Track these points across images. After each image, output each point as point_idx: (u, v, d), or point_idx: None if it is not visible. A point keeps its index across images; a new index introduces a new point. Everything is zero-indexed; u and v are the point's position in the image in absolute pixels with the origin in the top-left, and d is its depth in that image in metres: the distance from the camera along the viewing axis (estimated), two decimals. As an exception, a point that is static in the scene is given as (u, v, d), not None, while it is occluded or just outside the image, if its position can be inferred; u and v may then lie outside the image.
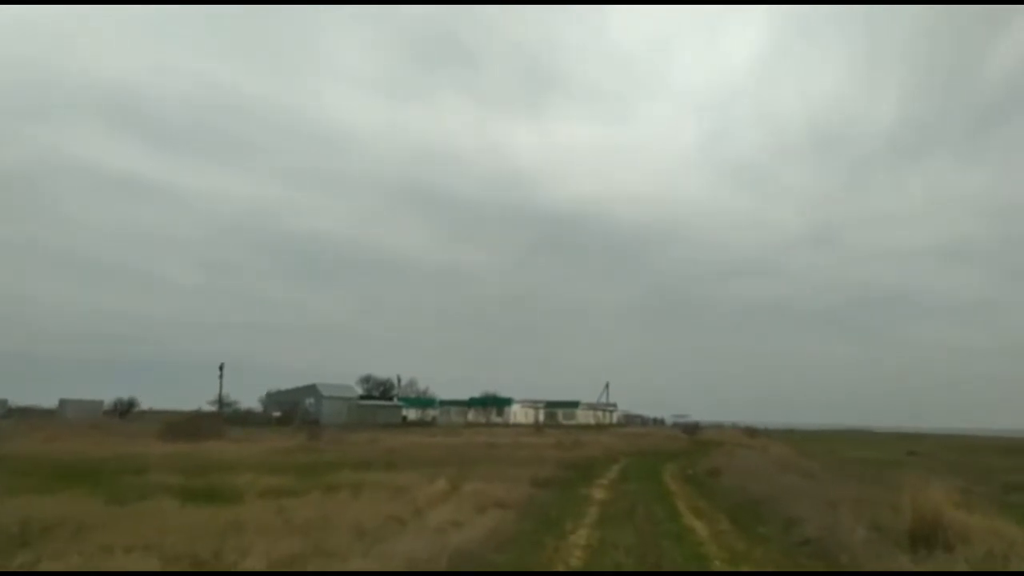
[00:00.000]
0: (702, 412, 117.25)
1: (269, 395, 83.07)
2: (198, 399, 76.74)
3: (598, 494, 15.83)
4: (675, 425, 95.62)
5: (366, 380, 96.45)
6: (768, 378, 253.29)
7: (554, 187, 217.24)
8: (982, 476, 20.83)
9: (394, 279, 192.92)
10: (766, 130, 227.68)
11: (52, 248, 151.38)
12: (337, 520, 9.72)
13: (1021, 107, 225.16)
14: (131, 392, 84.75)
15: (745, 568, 8.39)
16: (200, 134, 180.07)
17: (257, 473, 16.65)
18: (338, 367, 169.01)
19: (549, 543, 9.34)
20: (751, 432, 69.83)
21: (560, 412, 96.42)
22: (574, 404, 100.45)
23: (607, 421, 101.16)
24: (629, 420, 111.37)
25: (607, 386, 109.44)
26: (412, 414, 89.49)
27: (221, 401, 74.71)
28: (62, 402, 75.31)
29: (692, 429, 74.05)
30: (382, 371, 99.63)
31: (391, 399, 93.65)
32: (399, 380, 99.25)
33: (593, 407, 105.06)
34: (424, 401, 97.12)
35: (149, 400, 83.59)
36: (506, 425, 75.95)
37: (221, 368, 74.13)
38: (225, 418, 60.67)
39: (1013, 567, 7.68)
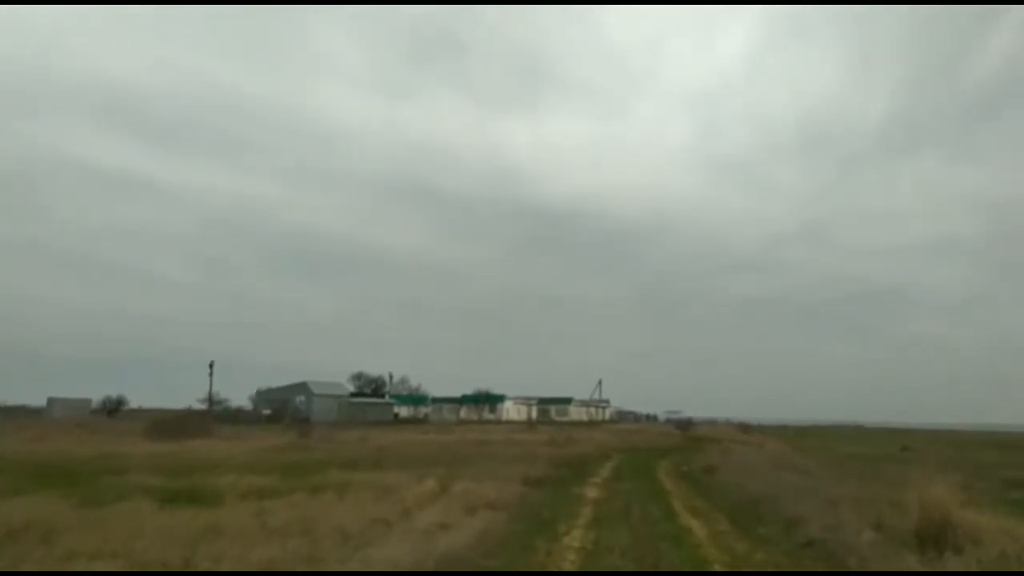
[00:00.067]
0: (694, 408, 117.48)
1: (259, 393, 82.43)
2: (189, 397, 76.26)
3: (592, 493, 15.42)
4: (668, 421, 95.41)
5: (358, 377, 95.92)
6: (759, 374, 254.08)
7: (548, 184, 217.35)
8: (979, 472, 20.52)
9: (387, 276, 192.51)
10: (757, 127, 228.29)
11: (43, 246, 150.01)
12: (319, 523, 9.28)
13: (1010, 104, 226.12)
14: (122, 390, 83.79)
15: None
16: (193, 132, 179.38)
17: (241, 473, 16.15)
18: (330, 365, 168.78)
19: (541, 546, 8.92)
20: (744, 428, 69.73)
21: (553, 409, 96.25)
22: (567, 401, 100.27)
23: (600, 418, 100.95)
24: (622, 416, 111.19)
25: (600, 383, 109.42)
26: (404, 411, 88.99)
27: (211, 399, 74.07)
28: (50, 400, 74.49)
29: (685, 425, 73.87)
30: (374, 368, 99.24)
31: (383, 396, 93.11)
32: (391, 377, 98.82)
33: (586, 404, 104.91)
34: (416, 398, 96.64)
35: (140, 398, 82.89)
36: (499, 422, 75.57)
37: (211, 366, 73.52)
38: (215, 416, 60.05)
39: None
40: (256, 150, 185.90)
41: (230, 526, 8.93)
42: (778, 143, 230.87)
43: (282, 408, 71.02)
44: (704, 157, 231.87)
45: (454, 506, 11.27)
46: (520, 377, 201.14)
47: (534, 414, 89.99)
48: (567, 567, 7.91)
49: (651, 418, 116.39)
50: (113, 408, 75.37)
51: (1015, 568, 7.36)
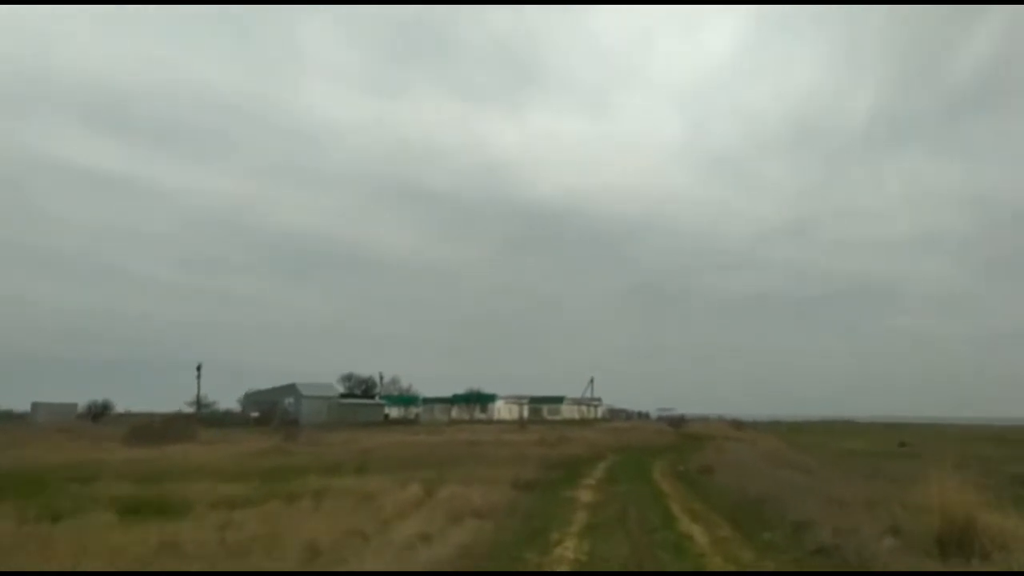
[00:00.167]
0: (686, 405, 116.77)
1: (248, 395, 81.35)
2: (177, 401, 74.90)
3: (585, 496, 14.68)
4: (660, 419, 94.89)
5: (348, 378, 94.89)
6: (751, 371, 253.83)
7: (538, 182, 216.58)
8: (985, 469, 19.89)
9: (376, 276, 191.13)
10: (745, 123, 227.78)
11: (31, 247, 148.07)
12: (288, 537, 8.49)
13: (995, 98, 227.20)
14: (111, 394, 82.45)
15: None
16: (180, 131, 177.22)
17: (216, 480, 15.37)
18: (320, 366, 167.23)
19: (531, 559, 8.16)
20: (737, 425, 69.19)
21: (545, 408, 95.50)
22: (559, 399, 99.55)
23: (592, 416, 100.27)
24: (614, 414, 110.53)
25: (592, 381, 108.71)
26: (395, 412, 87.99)
27: (199, 402, 73.02)
28: (34, 405, 73.25)
29: (678, 422, 73.39)
30: (364, 369, 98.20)
31: (373, 397, 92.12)
32: (381, 378, 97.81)
33: (578, 402, 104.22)
34: (407, 399, 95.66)
35: (127, 402, 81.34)
36: (490, 422, 74.74)
37: (199, 369, 72.50)
38: (202, 419, 59.07)
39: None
40: (244, 150, 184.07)
41: (189, 541, 8.15)
42: (767, 139, 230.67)
43: (271, 410, 69.97)
44: (693, 153, 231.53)
45: (438, 514, 10.49)
46: (512, 376, 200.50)
47: (526, 413, 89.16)
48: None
49: (643, 416, 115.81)
50: (99, 413, 73.99)
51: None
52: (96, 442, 32.93)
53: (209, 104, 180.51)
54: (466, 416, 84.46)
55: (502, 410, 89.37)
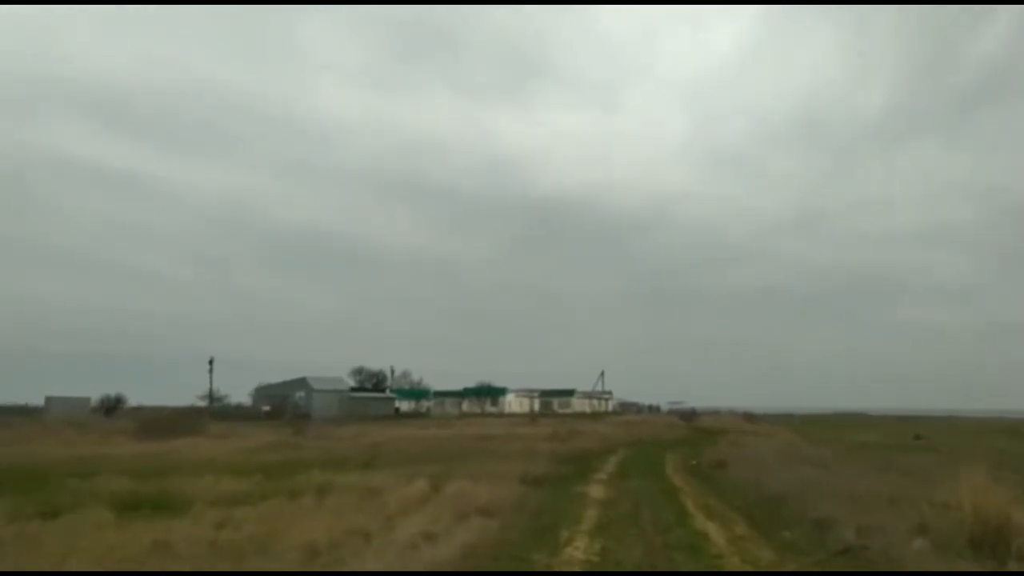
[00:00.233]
0: (697, 398, 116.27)
1: (259, 389, 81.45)
2: (190, 395, 74.98)
3: (596, 492, 14.29)
4: (671, 412, 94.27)
5: (358, 372, 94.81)
6: (761, 363, 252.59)
7: (545, 176, 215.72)
8: (1004, 462, 19.33)
9: (387, 270, 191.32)
10: (753, 117, 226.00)
11: (42, 244, 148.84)
12: (287, 536, 8.14)
13: (1005, 91, 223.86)
14: (125, 389, 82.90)
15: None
16: (189, 129, 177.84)
17: (221, 475, 15.04)
18: (331, 360, 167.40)
19: (539, 560, 7.78)
20: (750, 418, 68.40)
21: (555, 401, 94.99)
22: (569, 393, 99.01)
23: (603, 409, 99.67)
24: (625, 408, 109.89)
25: (602, 374, 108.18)
26: (405, 406, 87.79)
27: (211, 396, 73.13)
28: (48, 400, 73.50)
29: (689, 416, 72.84)
30: (375, 363, 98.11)
31: (384, 391, 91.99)
32: (392, 372, 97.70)
33: (589, 395, 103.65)
34: (417, 392, 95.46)
35: (140, 396, 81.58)
36: (500, 415, 74.42)
37: (211, 363, 72.58)
38: (213, 413, 59.12)
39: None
40: (252, 147, 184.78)
41: (183, 541, 7.82)
42: (775, 133, 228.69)
43: (282, 404, 70.02)
44: (701, 147, 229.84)
45: (444, 511, 10.12)
46: (522, 370, 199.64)
47: (536, 406, 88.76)
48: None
49: (654, 409, 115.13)
50: (111, 407, 74.27)
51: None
52: (106, 436, 32.81)
53: (219, 103, 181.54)
54: (477, 410, 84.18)
55: (513, 403, 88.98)
